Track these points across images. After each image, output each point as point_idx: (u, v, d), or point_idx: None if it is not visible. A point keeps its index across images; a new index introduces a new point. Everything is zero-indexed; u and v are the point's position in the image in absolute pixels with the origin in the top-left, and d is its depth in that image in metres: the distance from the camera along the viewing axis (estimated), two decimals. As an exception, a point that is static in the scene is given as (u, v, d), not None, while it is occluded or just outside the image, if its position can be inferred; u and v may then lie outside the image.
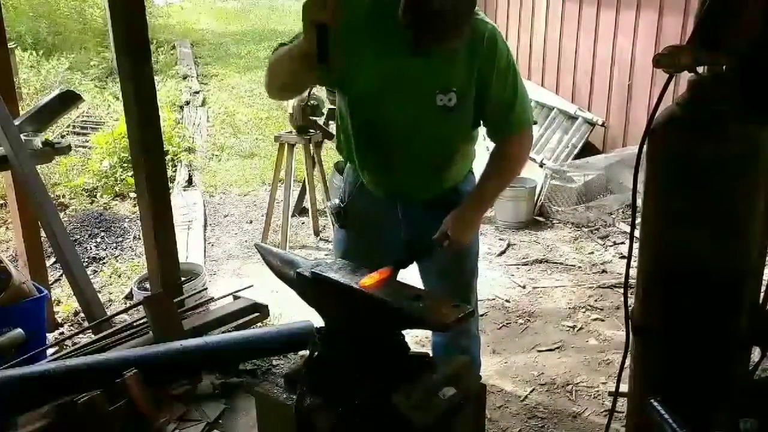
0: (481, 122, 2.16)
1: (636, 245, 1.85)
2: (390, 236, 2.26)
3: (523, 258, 4.42)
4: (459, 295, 2.31)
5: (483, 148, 2.30)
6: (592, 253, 4.48)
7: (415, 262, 2.25)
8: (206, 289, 3.48)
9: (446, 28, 1.80)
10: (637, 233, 1.83)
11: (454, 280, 2.36)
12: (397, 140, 2.09)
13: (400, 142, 2.10)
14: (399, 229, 2.28)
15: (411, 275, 2.11)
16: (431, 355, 2.47)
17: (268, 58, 2.04)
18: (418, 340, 3.20)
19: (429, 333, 3.03)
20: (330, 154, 5.99)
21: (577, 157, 5.45)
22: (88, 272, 3.80)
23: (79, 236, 4.72)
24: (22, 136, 3.15)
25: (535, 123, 2.28)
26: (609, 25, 5.66)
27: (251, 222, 5.18)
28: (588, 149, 5.63)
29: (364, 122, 2.12)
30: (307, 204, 4.96)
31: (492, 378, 3.08)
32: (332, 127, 4.78)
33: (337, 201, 2.36)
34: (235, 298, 3.37)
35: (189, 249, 4.49)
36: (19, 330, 2.82)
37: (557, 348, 3.39)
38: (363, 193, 2.26)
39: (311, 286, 1.83)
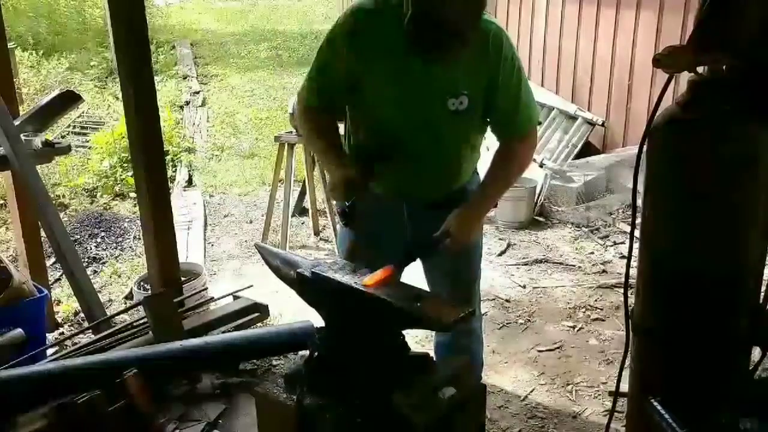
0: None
1: (636, 245, 1.85)
2: (396, 236, 2.26)
3: (523, 258, 4.42)
4: (462, 295, 2.31)
5: (483, 147, 2.30)
6: (592, 253, 4.48)
7: (420, 263, 2.24)
8: (206, 289, 3.48)
9: (449, 39, 1.80)
10: (637, 233, 1.83)
11: (458, 281, 2.36)
12: (409, 144, 2.09)
13: (413, 147, 2.10)
14: (405, 229, 2.27)
15: (414, 276, 2.11)
16: (434, 354, 2.48)
17: (300, 98, 2.18)
18: (418, 340, 3.20)
19: (429, 333, 3.03)
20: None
21: (577, 157, 5.45)
22: (88, 272, 3.79)
23: (79, 236, 4.72)
24: (22, 136, 3.15)
25: (540, 124, 2.29)
26: (609, 25, 5.66)
27: (251, 222, 5.18)
28: (588, 149, 5.63)
29: (376, 127, 2.12)
30: (307, 204, 4.96)
31: (492, 378, 3.08)
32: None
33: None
34: (235, 298, 3.37)
35: (189, 249, 4.49)
36: (19, 330, 2.82)
37: (557, 348, 3.39)
38: (368, 194, 2.26)
39: (311, 286, 1.83)
